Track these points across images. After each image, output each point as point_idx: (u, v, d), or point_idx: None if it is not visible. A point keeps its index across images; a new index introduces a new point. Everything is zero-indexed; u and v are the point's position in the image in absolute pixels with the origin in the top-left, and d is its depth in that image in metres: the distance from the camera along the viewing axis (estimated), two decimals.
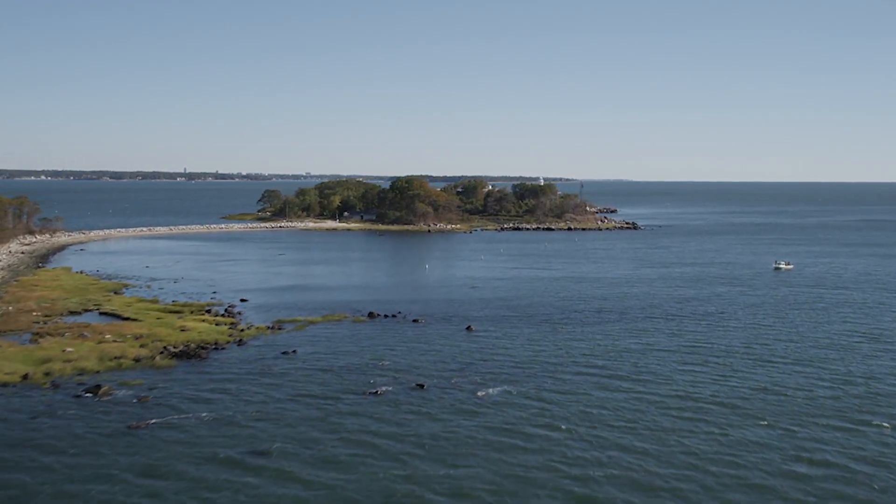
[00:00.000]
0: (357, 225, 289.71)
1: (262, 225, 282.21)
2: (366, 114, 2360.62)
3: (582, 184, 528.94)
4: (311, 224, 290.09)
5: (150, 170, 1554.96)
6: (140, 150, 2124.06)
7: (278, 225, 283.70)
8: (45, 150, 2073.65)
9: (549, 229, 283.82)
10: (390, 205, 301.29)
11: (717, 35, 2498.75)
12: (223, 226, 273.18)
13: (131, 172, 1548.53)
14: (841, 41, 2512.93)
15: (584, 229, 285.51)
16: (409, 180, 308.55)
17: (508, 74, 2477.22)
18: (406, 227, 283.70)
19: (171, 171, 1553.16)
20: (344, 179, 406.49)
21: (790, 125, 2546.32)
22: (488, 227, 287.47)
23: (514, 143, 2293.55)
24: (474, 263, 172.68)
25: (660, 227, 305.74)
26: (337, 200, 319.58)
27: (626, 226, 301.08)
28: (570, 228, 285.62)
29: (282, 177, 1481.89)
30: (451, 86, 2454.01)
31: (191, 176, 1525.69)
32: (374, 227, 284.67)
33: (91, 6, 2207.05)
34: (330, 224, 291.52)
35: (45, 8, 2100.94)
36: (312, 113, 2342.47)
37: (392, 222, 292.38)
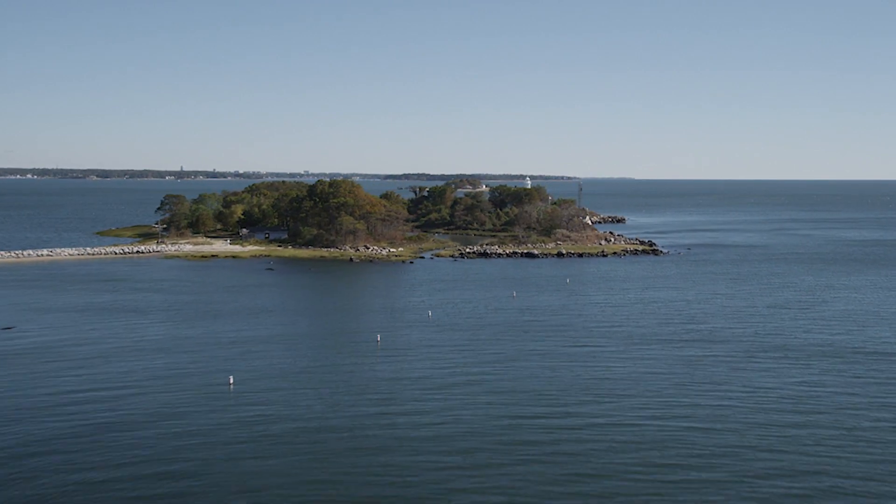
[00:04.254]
0: (253, 248, 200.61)
1: (110, 250, 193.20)
2: (365, 111, 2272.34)
3: (581, 185, 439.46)
4: (187, 247, 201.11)
5: (142, 168, 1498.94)
6: (136, 148, 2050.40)
7: (136, 249, 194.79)
8: (41, 149, 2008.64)
9: (529, 255, 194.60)
10: (307, 218, 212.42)
11: (721, 31, 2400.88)
12: (48, 252, 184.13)
13: (119, 171, 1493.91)
14: (838, 40, 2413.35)
15: (580, 255, 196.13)
16: (335, 183, 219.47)
17: (508, 72, 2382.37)
18: (323, 251, 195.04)
19: (167, 168, 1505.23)
20: (269, 182, 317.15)
21: (805, 122, 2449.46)
22: (443, 253, 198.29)
23: (515, 141, 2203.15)
24: (338, 377, 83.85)
25: (688, 248, 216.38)
26: (238, 211, 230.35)
27: (640, 247, 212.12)
28: (560, 254, 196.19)
29: (278, 175, 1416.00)
30: (451, 83, 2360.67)
31: (181, 174, 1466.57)
32: (276, 251, 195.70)
33: (87, 5, 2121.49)
34: (215, 247, 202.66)
35: (41, 7, 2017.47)
36: (311, 111, 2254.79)
37: (307, 243, 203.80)
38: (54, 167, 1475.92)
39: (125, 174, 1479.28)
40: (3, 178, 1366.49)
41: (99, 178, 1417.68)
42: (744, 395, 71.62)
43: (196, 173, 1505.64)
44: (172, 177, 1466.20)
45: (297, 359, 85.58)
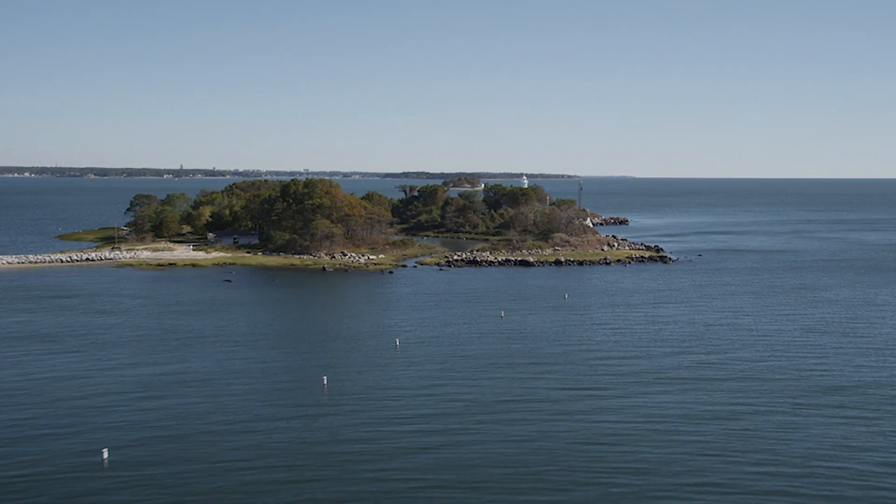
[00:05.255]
0: (218, 255, 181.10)
1: (56, 258, 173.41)
2: (365, 110, 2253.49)
3: (581, 184, 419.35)
4: (144, 254, 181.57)
5: (141, 166, 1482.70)
6: (136, 146, 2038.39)
7: (86, 257, 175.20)
8: (41, 147, 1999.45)
9: (524, 262, 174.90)
10: (280, 221, 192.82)
11: (721, 31, 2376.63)
12: None
13: (117, 169, 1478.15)
14: (838, 40, 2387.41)
15: (580, 263, 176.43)
16: (310, 183, 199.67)
17: (508, 71, 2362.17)
18: (295, 258, 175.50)
19: (166, 167, 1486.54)
20: (251, 181, 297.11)
21: (806, 121, 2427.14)
22: (428, 260, 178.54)
23: (515, 140, 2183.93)
24: (253, 443, 64.18)
25: (699, 255, 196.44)
26: (206, 214, 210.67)
27: (646, 253, 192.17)
28: (558, 261, 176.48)
29: (277, 173, 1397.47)
30: (451, 83, 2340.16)
31: (180, 173, 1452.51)
32: (243, 258, 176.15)
33: (87, 5, 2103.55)
34: (175, 254, 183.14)
35: (41, 7, 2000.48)
36: (311, 110, 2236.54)
37: (278, 249, 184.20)
38: (53, 165, 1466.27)
39: (124, 173, 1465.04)
40: (1, 176, 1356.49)
41: (97, 177, 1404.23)
42: (803, 477, 51.78)
43: (195, 172, 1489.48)
44: (171, 175, 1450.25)
45: (212, 412, 65.90)
